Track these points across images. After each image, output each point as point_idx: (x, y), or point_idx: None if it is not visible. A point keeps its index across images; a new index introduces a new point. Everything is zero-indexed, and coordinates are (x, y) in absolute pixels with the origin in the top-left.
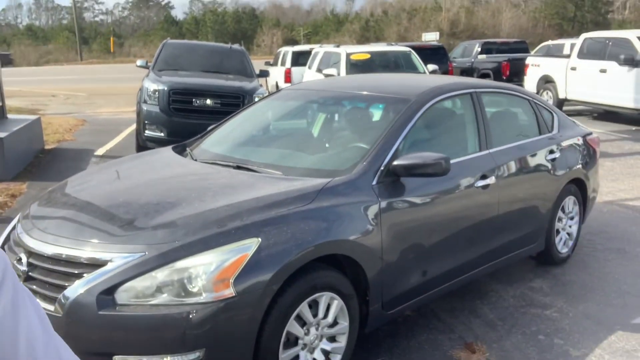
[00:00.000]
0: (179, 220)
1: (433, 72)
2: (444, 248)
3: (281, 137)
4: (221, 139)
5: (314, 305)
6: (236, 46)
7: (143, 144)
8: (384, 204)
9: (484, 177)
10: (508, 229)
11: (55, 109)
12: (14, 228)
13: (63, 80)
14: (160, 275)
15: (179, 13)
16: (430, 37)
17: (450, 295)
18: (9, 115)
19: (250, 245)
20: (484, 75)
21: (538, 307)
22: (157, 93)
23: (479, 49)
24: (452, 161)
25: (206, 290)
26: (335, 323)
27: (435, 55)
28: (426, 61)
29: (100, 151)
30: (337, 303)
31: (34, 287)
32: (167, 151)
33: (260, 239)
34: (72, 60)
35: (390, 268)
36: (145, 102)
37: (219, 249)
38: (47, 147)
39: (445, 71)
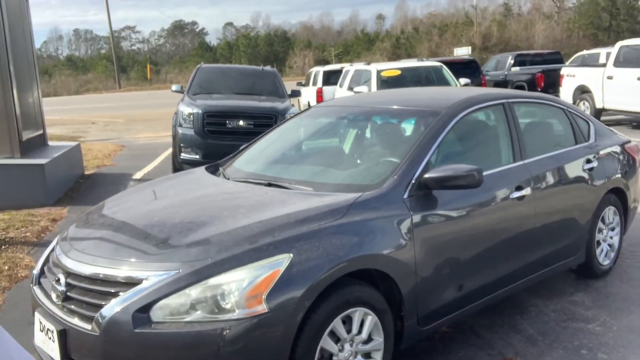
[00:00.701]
0: (212, 237)
1: (465, 86)
2: (480, 262)
3: (312, 154)
4: (253, 157)
5: (347, 321)
6: (268, 68)
7: (179, 167)
8: (416, 217)
9: (519, 188)
10: (546, 241)
11: (95, 135)
12: (53, 250)
13: (102, 108)
14: (194, 292)
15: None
16: (462, 52)
17: (489, 310)
18: (50, 143)
19: (282, 261)
20: (518, 88)
21: (580, 321)
22: (191, 116)
23: (512, 61)
24: (485, 173)
25: (239, 306)
26: (369, 339)
27: (467, 69)
28: (458, 75)
29: (138, 175)
30: (371, 319)
31: (72, 306)
32: (201, 171)
33: (292, 255)
34: (111, 88)
35: (424, 282)
36: (180, 125)
37: (251, 265)
38: (87, 172)
39: (478, 85)
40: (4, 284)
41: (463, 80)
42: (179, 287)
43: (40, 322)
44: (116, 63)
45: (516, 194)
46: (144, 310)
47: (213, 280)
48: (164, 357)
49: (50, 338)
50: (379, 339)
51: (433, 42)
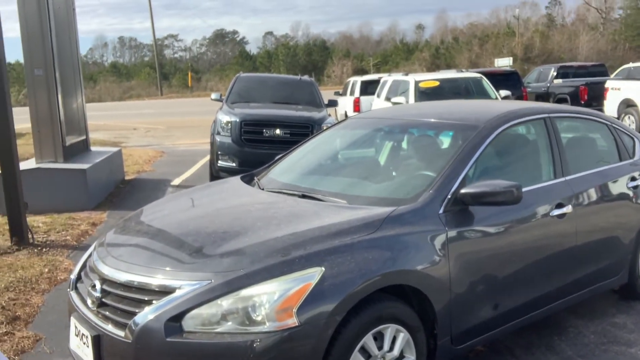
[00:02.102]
0: (245, 248)
1: (505, 98)
2: (518, 280)
3: (347, 166)
4: (288, 168)
5: (379, 338)
6: (305, 77)
7: (216, 174)
8: (451, 233)
9: (560, 205)
10: (587, 261)
11: (136, 141)
12: (90, 255)
13: (144, 114)
14: (226, 303)
15: (252, 48)
16: (504, 63)
17: (525, 330)
18: (92, 148)
19: (313, 274)
20: (561, 100)
21: (621, 344)
22: (229, 125)
23: (555, 73)
24: (524, 189)
25: (270, 319)
26: (401, 357)
27: (508, 80)
28: (499, 87)
29: (176, 181)
30: (403, 336)
31: (107, 313)
32: (236, 180)
33: (323, 268)
34: (153, 95)
35: (459, 300)
36: (218, 133)
37: (282, 277)
38: (127, 177)
39: (519, 97)
40: (44, 286)
41: (503, 92)
42: (211, 297)
43: (76, 327)
44: (158, 70)
45: (557, 212)
46: (176, 319)
47: (245, 292)
48: None
49: (84, 343)
50: (410, 357)
51: (473, 52)
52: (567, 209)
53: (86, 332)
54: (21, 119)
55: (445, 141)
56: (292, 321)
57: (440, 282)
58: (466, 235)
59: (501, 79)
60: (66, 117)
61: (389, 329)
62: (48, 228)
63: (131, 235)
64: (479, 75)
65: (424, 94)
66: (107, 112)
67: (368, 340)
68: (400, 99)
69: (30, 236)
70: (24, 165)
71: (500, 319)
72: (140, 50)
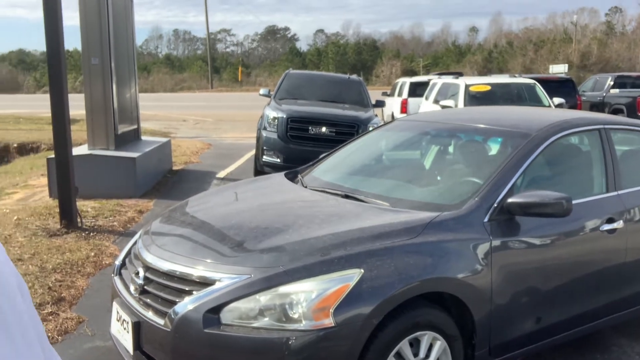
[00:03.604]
0: (285, 245)
1: (559, 105)
2: (562, 295)
3: (392, 168)
4: (332, 167)
5: (415, 344)
6: (354, 77)
7: (260, 169)
8: (495, 242)
9: (610, 220)
10: (636, 279)
11: (185, 132)
12: (135, 243)
13: (194, 106)
14: (264, 298)
15: (303, 45)
16: (559, 70)
17: (567, 346)
18: (143, 137)
19: (352, 276)
20: (617, 111)
21: None
22: (276, 120)
23: (612, 83)
24: (574, 201)
25: (306, 317)
26: None
27: (562, 88)
28: (552, 94)
29: (221, 174)
30: (440, 344)
31: (148, 300)
32: (280, 177)
33: (362, 270)
34: (204, 87)
35: (500, 311)
36: (265, 128)
37: (321, 277)
38: (175, 168)
39: (574, 105)
40: (89, 269)
41: (557, 100)
42: (250, 292)
43: (117, 312)
44: (210, 64)
45: (607, 227)
46: (215, 311)
47: (283, 289)
48: (231, 358)
49: (125, 328)
50: None
51: (527, 57)
52: (618, 224)
53: (127, 318)
54: (76, 105)
55: (494, 148)
56: (329, 321)
57: (481, 292)
58: (511, 245)
59: (555, 86)
60: (119, 106)
61: (426, 336)
62: (96, 213)
63: (176, 225)
64: (532, 81)
65: (474, 98)
66: (159, 102)
67: (404, 345)
68: (449, 102)
69: (79, 220)
70: (76, 151)
71: (542, 333)
72: (193, 44)
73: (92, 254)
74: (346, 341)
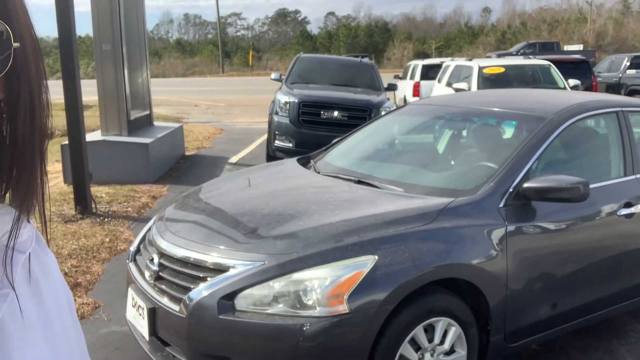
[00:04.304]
0: (298, 232)
1: (575, 87)
2: (579, 280)
3: (405, 153)
4: (345, 152)
5: (429, 330)
6: (366, 60)
7: (272, 154)
8: (511, 228)
9: (628, 205)
10: None
11: (197, 117)
12: (149, 229)
13: (205, 91)
14: (278, 285)
15: (314, 28)
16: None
17: (583, 331)
18: (155, 123)
19: (366, 262)
20: (633, 92)
21: None
22: (287, 105)
23: (628, 63)
24: (591, 186)
25: (320, 304)
26: (452, 351)
27: (577, 69)
28: (568, 76)
29: (234, 159)
30: (454, 330)
31: (163, 287)
32: (292, 163)
33: (376, 257)
34: (215, 72)
35: (515, 297)
36: (276, 113)
37: (334, 263)
38: (187, 153)
39: (589, 87)
40: (104, 255)
41: (573, 82)
42: (264, 278)
43: (133, 298)
44: (221, 48)
45: (624, 211)
46: (229, 297)
47: (296, 275)
48: (245, 345)
49: (140, 314)
50: (461, 352)
51: (541, 38)
52: (636, 208)
53: (142, 304)
54: (89, 91)
55: (509, 132)
56: (343, 308)
57: (497, 278)
58: (527, 231)
59: (570, 67)
60: (131, 91)
61: (441, 322)
62: (111, 199)
63: (189, 211)
64: (547, 62)
65: (487, 81)
66: (171, 87)
67: (418, 332)
68: (462, 84)
69: (93, 206)
70: (90, 137)
71: (558, 318)
72: (204, 28)
73: (107, 239)
74: (360, 327)
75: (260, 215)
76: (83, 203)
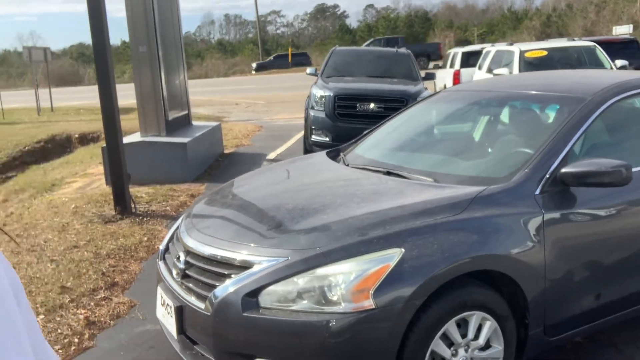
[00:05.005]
0: (322, 226)
1: (622, 68)
2: (624, 269)
3: (436, 142)
4: (375, 143)
5: (463, 325)
6: (402, 50)
7: (310, 149)
8: (548, 216)
9: None
10: None
11: (237, 116)
12: (178, 227)
13: (246, 90)
14: (302, 281)
15: (353, 21)
16: (623, 31)
17: (632, 323)
18: (194, 122)
19: (392, 256)
20: None
21: None
22: (323, 99)
23: None
24: (634, 169)
25: (345, 300)
26: (487, 346)
27: (626, 50)
28: (615, 57)
29: (271, 155)
30: (489, 324)
31: (190, 285)
32: (321, 156)
33: (403, 250)
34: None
35: (554, 289)
36: (312, 108)
37: (359, 258)
38: (226, 151)
39: (638, 67)
40: (142, 254)
41: (620, 62)
42: (287, 274)
43: (162, 297)
44: (261, 47)
45: None
46: (253, 294)
47: (320, 271)
48: (270, 342)
49: (168, 313)
50: (498, 347)
51: (588, 20)
52: None
53: (170, 303)
54: (131, 94)
55: (547, 115)
56: (369, 303)
57: (534, 269)
58: (566, 218)
59: (619, 48)
60: (169, 92)
61: (474, 317)
62: (150, 198)
63: (216, 208)
64: (592, 44)
65: (530, 65)
66: (213, 87)
67: (450, 327)
68: (503, 70)
69: (132, 206)
70: (130, 139)
71: (603, 310)
72: (244, 27)
73: (145, 238)
74: (388, 323)
75: (285, 210)
76: (122, 203)
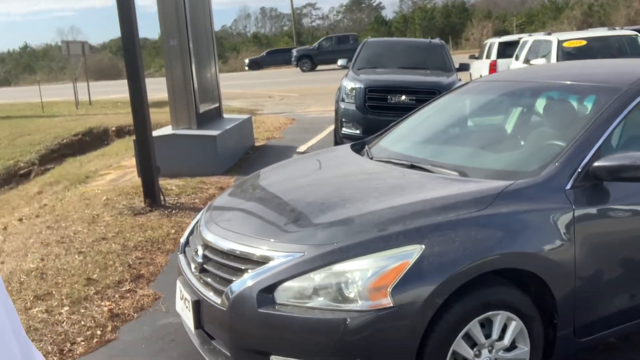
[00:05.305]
0: (340, 221)
1: None
2: None
3: (464, 134)
4: (401, 136)
5: (487, 325)
6: (436, 40)
7: (340, 141)
8: (579, 212)
9: None
10: None
11: (270, 108)
12: (198, 220)
13: (280, 83)
14: (318, 277)
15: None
16: None
17: None
18: (225, 115)
19: (412, 252)
20: None
21: None
22: (354, 91)
23: None
24: None
25: (362, 297)
26: (512, 347)
27: None
28: None
29: (302, 148)
30: (515, 324)
31: (208, 279)
32: (345, 149)
33: (423, 246)
34: (290, 63)
35: (585, 288)
36: (343, 100)
37: (377, 254)
38: (257, 144)
39: None
40: (169, 246)
41: None
42: (304, 270)
43: (181, 291)
44: (295, 39)
45: None
46: (269, 290)
47: (337, 267)
48: (286, 339)
49: (187, 307)
50: (524, 348)
51: (632, 8)
52: None
53: (188, 297)
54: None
55: (581, 106)
56: (386, 301)
57: (563, 268)
58: (598, 215)
59: None
60: (200, 85)
61: (499, 316)
62: (180, 191)
63: (236, 202)
64: (634, 33)
65: (568, 56)
66: (248, 80)
67: (474, 327)
68: (540, 61)
69: (162, 198)
70: (161, 132)
71: (637, 310)
72: (280, 20)
73: (173, 231)
74: (406, 322)
75: (304, 204)
76: (152, 196)
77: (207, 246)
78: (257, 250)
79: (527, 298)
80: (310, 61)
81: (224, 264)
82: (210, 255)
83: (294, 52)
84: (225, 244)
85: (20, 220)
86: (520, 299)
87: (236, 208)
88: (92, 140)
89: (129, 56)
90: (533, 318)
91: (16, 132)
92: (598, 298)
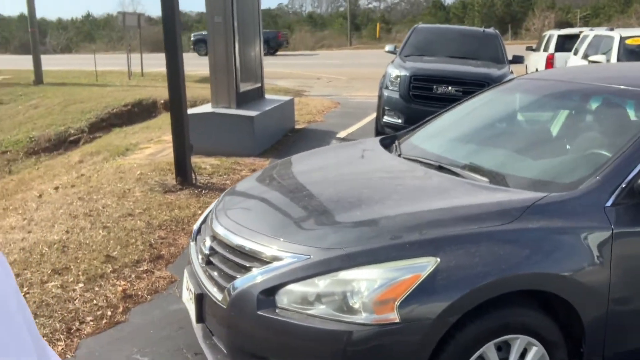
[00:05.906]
0: (350, 224)
1: None
2: None
3: (500, 137)
4: (433, 133)
5: (504, 348)
6: (490, 30)
7: (381, 130)
8: (619, 232)
9: None
10: None
11: (318, 90)
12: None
13: (329, 64)
14: (322, 283)
15: None
16: None
17: None
18: (267, 96)
19: (425, 265)
20: None
21: None
22: (398, 79)
23: None
24: None
25: (366, 309)
26: None
27: None
28: None
29: (342, 134)
30: (536, 350)
31: (214, 273)
32: (373, 143)
33: (439, 259)
34: (342, 45)
35: (619, 315)
36: (386, 87)
37: (387, 264)
38: (297, 127)
39: None
40: (193, 227)
41: None
42: (307, 274)
43: (187, 281)
44: (350, 21)
45: None
46: (270, 292)
47: (343, 274)
48: (284, 346)
49: (191, 299)
50: None
51: None
52: None
53: (192, 288)
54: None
55: (633, 114)
56: (393, 316)
57: (595, 292)
58: None
59: None
60: (243, 64)
61: (518, 341)
62: (213, 170)
63: (252, 193)
64: None
65: (631, 54)
66: (297, 60)
67: (488, 350)
68: (600, 57)
69: (193, 177)
70: (200, 109)
71: None
72: (336, 1)
73: (200, 212)
74: (413, 340)
75: (316, 202)
76: (183, 174)
77: (215, 238)
78: (266, 249)
79: (551, 322)
80: (206, 47)
81: (230, 259)
82: (217, 248)
83: (192, 37)
84: (234, 239)
85: (56, 188)
86: (544, 323)
87: (251, 199)
88: (140, 112)
89: (168, 32)
90: (557, 344)
91: (69, 99)
92: (632, 328)
